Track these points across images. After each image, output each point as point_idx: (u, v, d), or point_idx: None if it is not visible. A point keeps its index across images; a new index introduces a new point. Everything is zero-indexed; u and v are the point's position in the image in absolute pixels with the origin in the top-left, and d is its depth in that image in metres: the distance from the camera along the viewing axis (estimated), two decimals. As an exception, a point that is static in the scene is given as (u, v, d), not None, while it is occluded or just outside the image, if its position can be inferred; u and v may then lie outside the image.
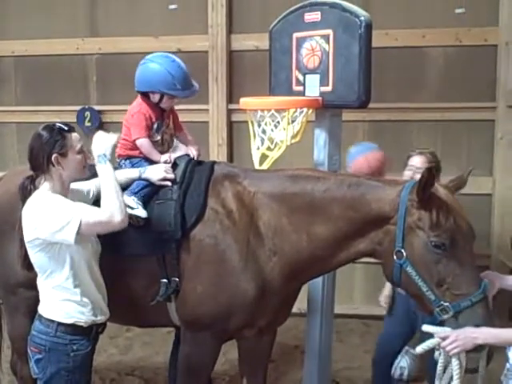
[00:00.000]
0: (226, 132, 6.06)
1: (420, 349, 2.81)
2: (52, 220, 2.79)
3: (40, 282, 2.98)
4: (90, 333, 2.99)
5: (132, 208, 3.18)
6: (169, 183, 3.29)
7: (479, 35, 5.65)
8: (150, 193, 3.27)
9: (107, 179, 2.92)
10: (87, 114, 6.23)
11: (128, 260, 3.24)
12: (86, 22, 6.32)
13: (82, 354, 2.96)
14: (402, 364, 4.71)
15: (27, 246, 2.92)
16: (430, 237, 2.84)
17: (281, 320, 3.49)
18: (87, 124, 6.16)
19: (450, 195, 2.94)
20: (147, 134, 3.44)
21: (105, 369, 4.87)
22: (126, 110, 6.16)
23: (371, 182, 3.10)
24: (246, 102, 3.94)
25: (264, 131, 3.90)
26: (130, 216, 3.14)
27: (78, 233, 2.77)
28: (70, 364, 2.93)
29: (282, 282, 3.19)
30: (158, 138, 3.50)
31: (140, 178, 3.30)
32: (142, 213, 3.19)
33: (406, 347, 4.82)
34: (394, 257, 2.91)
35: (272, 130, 3.83)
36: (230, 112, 6.03)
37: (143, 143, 3.43)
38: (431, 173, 2.80)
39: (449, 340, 2.68)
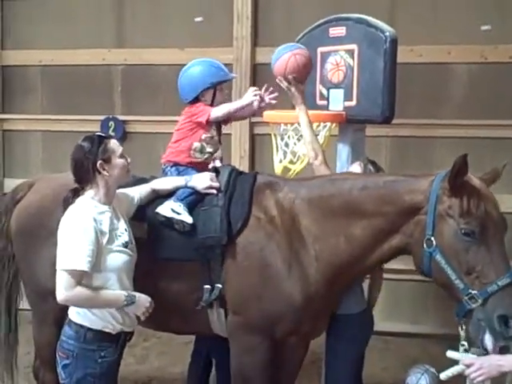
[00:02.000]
0: (248, 144, 6.07)
1: (444, 375, 2.78)
2: (65, 247, 2.85)
3: None
4: (118, 340, 3.01)
5: (178, 213, 3.24)
6: (214, 191, 3.33)
7: (505, 52, 5.60)
8: (195, 200, 3.33)
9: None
10: (111, 123, 6.29)
11: (171, 265, 3.28)
12: (113, 33, 6.39)
13: (109, 360, 2.98)
14: (422, 382, 4.66)
15: None
16: (460, 224, 2.86)
17: (321, 328, 3.48)
18: (111, 133, 6.21)
19: (483, 185, 2.95)
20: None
21: (122, 378, 4.82)
22: (149, 121, 6.27)
23: (405, 178, 3.15)
24: (269, 115, 3.95)
25: (287, 144, 3.91)
26: (176, 221, 3.23)
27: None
28: (97, 370, 2.95)
29: (324, 286, 3.21)
30: (214, 133, 3.58)
31: (186, 186, 3.34)
32: (187, 218, 3.25)
33: (426, 366, 4.76)
34: (424, 245, 2.93)
35: (295, 144, 3.85)
36: (252, 124, 6.04)
37: (215, 111, 3.49)
38: (464, 161, 2.81)
39: (474, 367, 2.65)
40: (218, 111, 3.51)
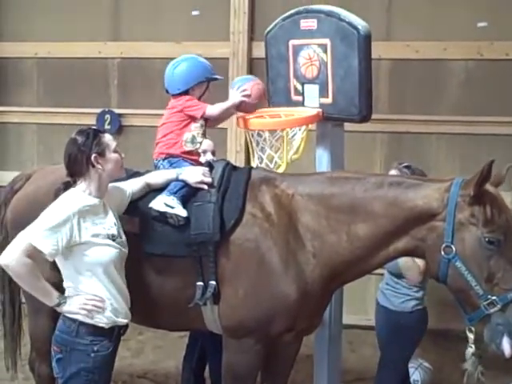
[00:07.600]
0: (244, 139, 6.04)
1: None
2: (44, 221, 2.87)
3: (64, 283, 3.01)
4: (111, 334, 2.99)
5: (172, 207, 3.19)
6: (205, 186, 3.29)
7: (501, 49, 5.63)
8: (187, 194, 3.28)
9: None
10: (107, 116, 6.28)
11: (163, 261, 3.24)
12: (109, 26, 6.38)
13: (102, 354, 2.96)
14: (415, 377, 4.69)
15: None
16: (484, 233, 2.86)
17: (316, 323, 3.47)
18: (107, 127, 6.19)
19: (498, 192, 2.96)
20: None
21: (117, 371, 4.83)
22: (146, 114, 6.24)
23: (412, 181, 3.13)
24: (242, 122, 3.75)
25: (262, 149, 3.74)
26: (170, 215, 3.18)
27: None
28: (90, 364, 2.93)
29: (321, 284, 3.19)
30: (204, 123, 3.58)
31: (177, 180, 3.31)
32: (182, 212, 3.20)
33: (420, 360, 4.79)
34: (442, 252, 2.91)
35: (272, 145, 3.67)
36: (248, 119, 6.04)
37: (211, 109, 3.51)
38: (490, 168, 2.80)
39: None
40: (213, 109, 3.50)
